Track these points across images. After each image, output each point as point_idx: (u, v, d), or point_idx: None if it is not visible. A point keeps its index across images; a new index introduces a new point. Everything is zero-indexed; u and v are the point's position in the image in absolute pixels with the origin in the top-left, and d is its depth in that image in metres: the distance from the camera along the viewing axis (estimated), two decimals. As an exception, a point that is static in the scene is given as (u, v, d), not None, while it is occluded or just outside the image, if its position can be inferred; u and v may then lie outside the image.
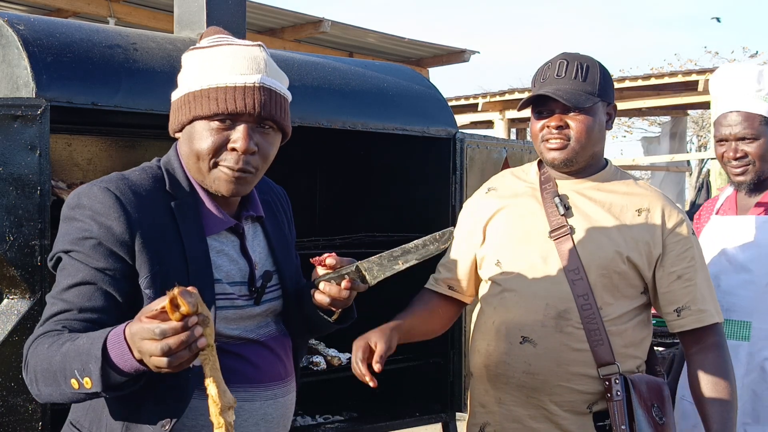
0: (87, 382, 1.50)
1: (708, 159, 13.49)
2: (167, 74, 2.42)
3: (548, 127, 2.27)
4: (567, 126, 2.26)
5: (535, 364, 2.25)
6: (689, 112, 15.87)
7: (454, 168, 3.15)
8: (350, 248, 3.19)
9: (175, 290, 1.41)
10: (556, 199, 2.30)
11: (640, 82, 11.16)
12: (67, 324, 1.62)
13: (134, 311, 1.66)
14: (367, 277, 1.79)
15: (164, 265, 1.68)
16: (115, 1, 8.19)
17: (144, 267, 1.66)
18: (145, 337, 1.42)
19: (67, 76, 2.28)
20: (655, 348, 2.49)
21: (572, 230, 2.26)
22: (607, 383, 2.19)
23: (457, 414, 3.19)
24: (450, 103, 5.21)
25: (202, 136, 1.71)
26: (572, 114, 2.24)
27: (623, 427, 2.15)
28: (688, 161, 16.67)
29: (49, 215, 2.16)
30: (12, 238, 2.08)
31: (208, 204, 1.78)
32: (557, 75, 2.28)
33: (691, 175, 18.39)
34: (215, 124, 1.71)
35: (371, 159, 3.45)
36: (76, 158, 3.04)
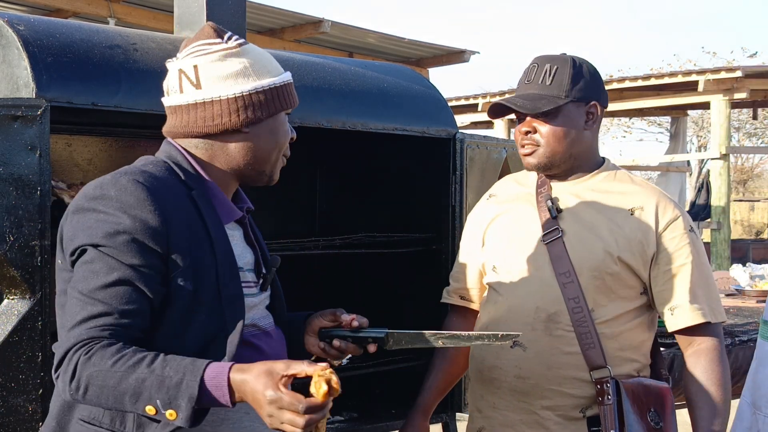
0: (171, 414, 1.51)
1: (708, 159, 13.47)
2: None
3: (521, 132, 2.28)
4: (536, 131, 2.26)
5: (525, 368, 2.24)
6: (689, 112, 15.87)
7: (454, 168, 3.15)
8: (350, 248, 3.19)
9: (331, 374, 1.48)
10: (548, 203, 2.29)
11: (640, 82, 11.17)
12: (112, 331, 1.59)
13: (163, 308, 1.65)
14: (390, 343, 1.84)
15: (194, 257, 1.67)
16: (115, 1, 8.20)
17: (178, 259, 1.65)
18: (287, 409, 1.47)
19: (67, 76, 2.28)
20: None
21: (563, 233, 2.25)
22: (599, 387, 2.18)
23: (457, 414, 3.19)
24: (450, 104, 5.21)
25: (286, 128, 1.84)
26: (539, 119, 2.24)
27: (612, 431, 2.14)
28: (688, 161, 16.65)
29: (50, 215, 2.16)
30: (12, 239, 2.08)
31: (220, 195, 1.79)
32: (527, 80, 2.29)
33: (691, 175, 18.37)
34: (286, 116, 1.84)
35: (371, 159, 3.44)
36: (76, 158, 3.04)
